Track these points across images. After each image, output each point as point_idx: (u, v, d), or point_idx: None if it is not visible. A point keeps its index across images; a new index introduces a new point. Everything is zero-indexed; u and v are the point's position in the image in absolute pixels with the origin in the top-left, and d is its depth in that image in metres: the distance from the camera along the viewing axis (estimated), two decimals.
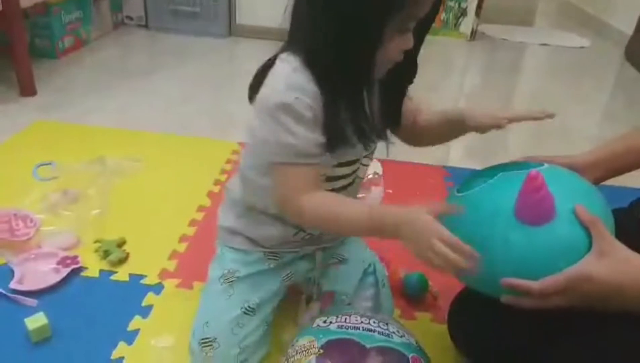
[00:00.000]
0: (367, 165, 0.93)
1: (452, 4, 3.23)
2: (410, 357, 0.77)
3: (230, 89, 2.35)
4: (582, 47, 3.44)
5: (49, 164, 1.53)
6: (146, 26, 2.97)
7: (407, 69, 0.83)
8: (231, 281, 0.94)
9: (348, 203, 0.81)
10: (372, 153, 0.92)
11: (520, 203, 0.71)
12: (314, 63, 0.74)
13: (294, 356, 0.80)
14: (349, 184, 0.90)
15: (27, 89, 2.00)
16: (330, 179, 0.85)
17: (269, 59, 0.81)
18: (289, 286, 1.00)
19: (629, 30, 3.21)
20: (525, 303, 0.71)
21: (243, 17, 2.91)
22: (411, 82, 0.87)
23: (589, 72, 3.07)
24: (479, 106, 0.86)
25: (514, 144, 2.07)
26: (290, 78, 0.74)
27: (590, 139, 2.14)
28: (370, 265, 1.00)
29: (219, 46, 2.83)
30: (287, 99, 0.73)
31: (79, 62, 2.44)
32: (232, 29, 2.95)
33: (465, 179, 0.84)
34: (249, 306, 0.92)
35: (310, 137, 0.76)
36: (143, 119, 1.93)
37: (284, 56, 0.78)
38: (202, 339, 0.90)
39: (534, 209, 0.71)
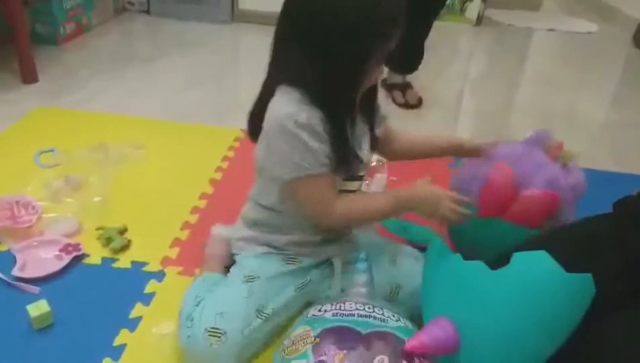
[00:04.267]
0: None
1: None
2: (407, 340, 0.77)
3: (233, 75, 2.33)
4: (589, 33, 3.39)
5: (51, 151, 1.53)
6: (148, 12, 2.95)
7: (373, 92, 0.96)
8: (252, 280, 0.95)
9: (371, 198, 0.98)
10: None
11: None
12: (312, 97, 0.84)
13: (290, 347, 0.79)
14: None
15: (29, 76, 1.99)
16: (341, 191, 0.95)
17: (261, 97, 0.91)
18: (305, 302, 1.00)
19: (638, 15, 3.16)
20: None
21: (246, 2, 2.88)
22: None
23: (597, 57, 3.03)
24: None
25: (520, 129, 2.05)
26: (300, 103, 0.84)
27: (597, 125, 2.12)
28: (362, 253, 0.99)
29: (222, 32, 2.80)
30: (301, 118, 0.82)
31: (80, 49, 2.42)
32: (235, 15, 2.92)
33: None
34: (263, 312, 0.93)
35: (323, 147, 0.85)
36: (145, 106, 1.91)
37: (284, 88, 0.86)
38: (212, 328, 0.89)
39: None
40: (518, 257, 0.75)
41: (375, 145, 1.00)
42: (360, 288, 0.88)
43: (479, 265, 0.78)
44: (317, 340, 0.77)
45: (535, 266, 0.74)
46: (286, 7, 0.86)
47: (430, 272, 0.87)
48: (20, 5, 1.93)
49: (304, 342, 0.77)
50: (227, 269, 1.05)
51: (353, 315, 0.80)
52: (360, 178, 0.99)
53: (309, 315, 0.84)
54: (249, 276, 0.96)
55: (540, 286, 0.73)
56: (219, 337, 0.88)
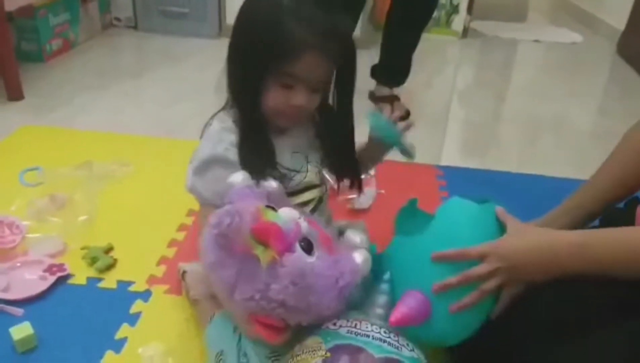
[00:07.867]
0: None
1: (443, 1, 3.21)
2: None
3: (220, 90, 2.32)
4: (574, 43, 3.44)
5: (36, 169, 1.51)
6: (135, 27, 2.94)
7: (339, 121, 0.96)
8: None
9: None
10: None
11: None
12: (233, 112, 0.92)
13: (299, 355, 0.78)
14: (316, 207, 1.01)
15: (14, 94, 1.98)
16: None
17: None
18: None
19: (621, 25, 3.20)
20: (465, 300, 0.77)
21: (233, 17, 2.88)
22: (344, 132, 0.98)
23: (582, 67, 3.07)
24: None
25: (507, 140, 2.06)
26: (220, 133, 0.93)
27: (584, 135, 2.14)
28: (387, 274, 0.96)
29: (209, 47, 2.80)
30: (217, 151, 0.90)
31: (67, 65, 2.41)
32: (223, 30, 2.93)
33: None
34: None
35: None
36: (132, 122, 1.90)
37: (220, 114, 0.97)
38: (271, 353, 0.86)
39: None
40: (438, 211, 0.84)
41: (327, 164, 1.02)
42: (378, 309, 0.86)
43: (411, 237, 0.85)
44: (328, 354, 0.75)
45: (451, 208, 0.84)
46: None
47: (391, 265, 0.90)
48: (5, 22, 1.92)
49: (314, 354, 0.75)
50: None
51: (367, 335, 0.78)
52: (315, 188, 0.99)
53: (323, 327, 0.81)
54: None
55: (462, 219, 0.83)
56: (279, 358, 0.86)
